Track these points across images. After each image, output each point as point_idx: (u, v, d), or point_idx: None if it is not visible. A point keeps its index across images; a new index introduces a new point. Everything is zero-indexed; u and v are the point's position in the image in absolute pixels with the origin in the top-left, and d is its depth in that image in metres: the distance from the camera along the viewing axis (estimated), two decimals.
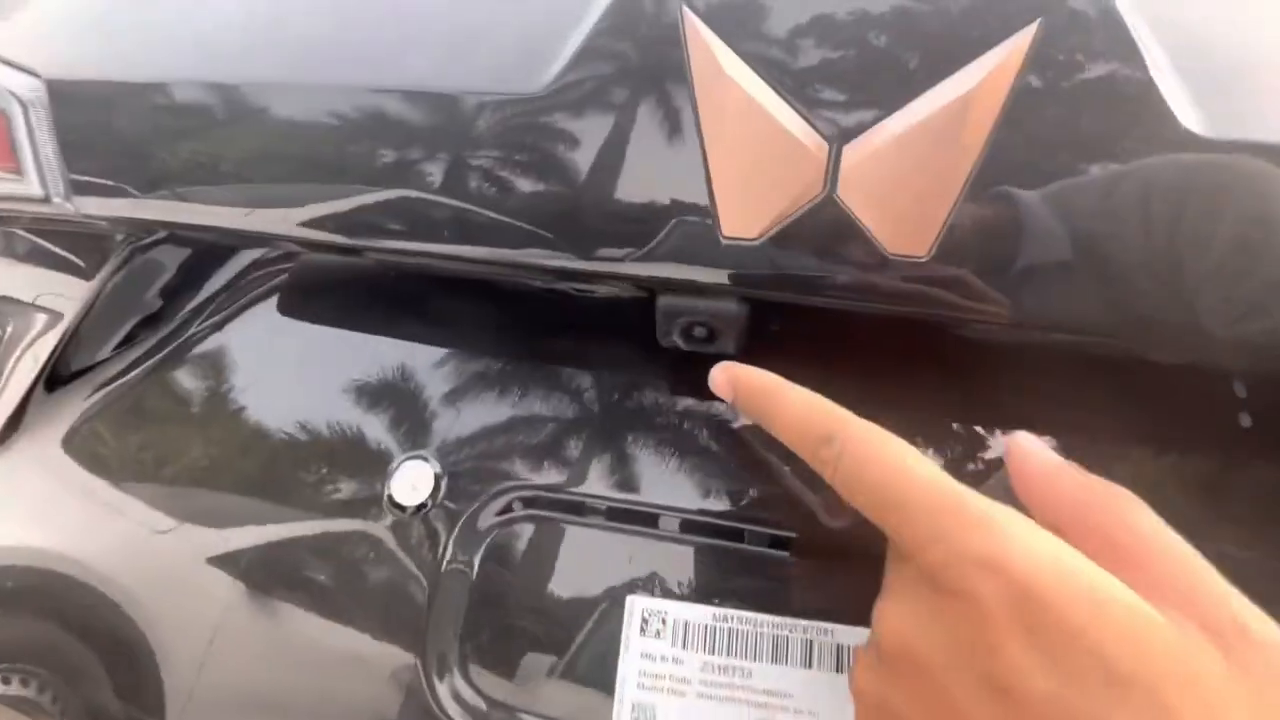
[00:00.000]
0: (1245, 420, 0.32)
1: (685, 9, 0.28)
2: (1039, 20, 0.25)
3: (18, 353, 0.43)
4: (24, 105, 0.38)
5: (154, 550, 0.37)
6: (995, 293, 0.27)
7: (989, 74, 0.26)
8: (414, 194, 0.31)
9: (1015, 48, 0.26)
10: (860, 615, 0.30)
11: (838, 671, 0.30)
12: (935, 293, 0.27)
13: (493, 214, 0.30)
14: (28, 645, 0.40)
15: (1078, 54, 0.26)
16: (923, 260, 0.26)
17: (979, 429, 0.33)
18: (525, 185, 0.30)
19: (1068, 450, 0.26)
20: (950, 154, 0.26)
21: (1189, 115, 0.25)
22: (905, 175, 0.26)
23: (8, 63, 0.40)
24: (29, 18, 0.42)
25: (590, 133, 0.29)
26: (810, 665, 0.30)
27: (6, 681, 0.41)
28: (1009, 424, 0.32)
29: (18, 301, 0.43)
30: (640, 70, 0.28)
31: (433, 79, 0.31)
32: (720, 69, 0.27)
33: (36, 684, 0.40)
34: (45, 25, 0.40)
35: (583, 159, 0.29)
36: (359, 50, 0.32)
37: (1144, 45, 0.25)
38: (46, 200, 0.38)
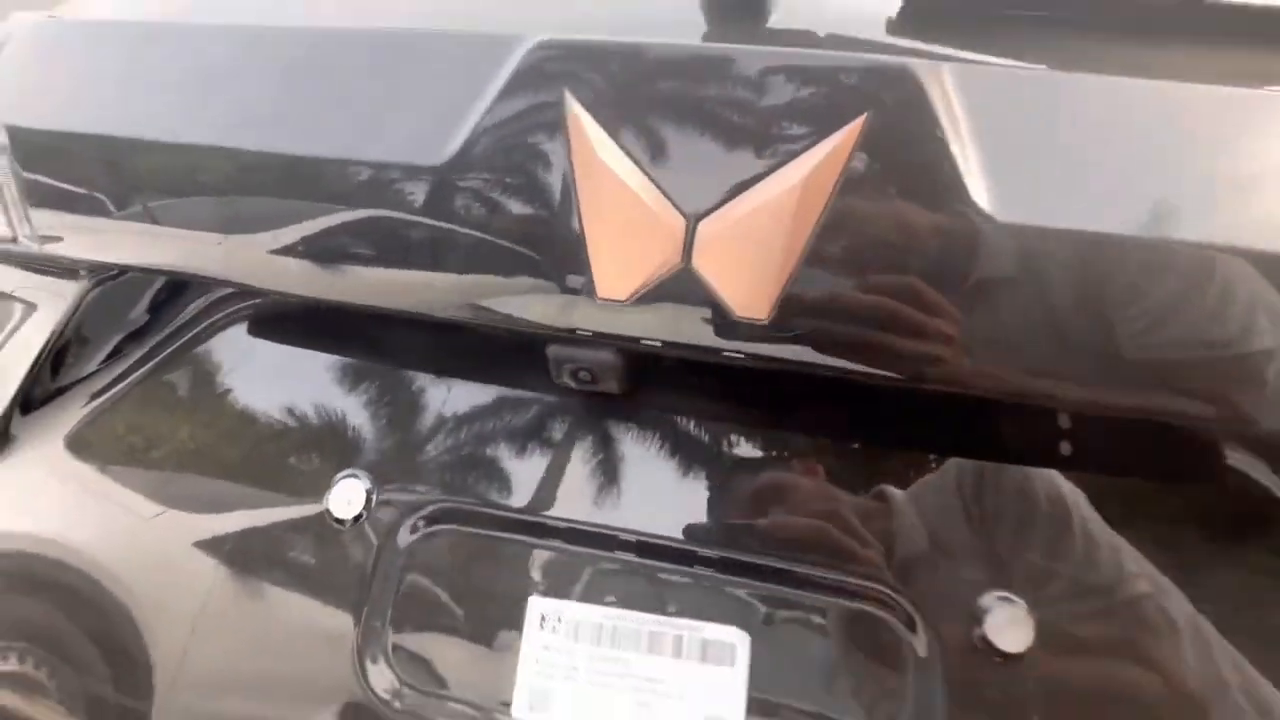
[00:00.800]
0: (1065, 448, 0.37)
1: (569, 95, 0.32)
2: (865, 114, 0.29)
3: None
4: None
5: (138, 539, 0.42)
6: (830, 351, 0.31)
7: (820, 161, 0.30)
8: (335, 247, 0.35)
9: (843, 139, 0.29)
10: (727, 616, 0.35)
11: (702, 662, 0.35)
12: (778, 350, 0.31)
13: (399, 270, 0.34)
14: (26, 625, 0.46)
15: (897, 145, 0.30)
16: (763, 322, 0.31)
17: (843, 452, 0.38)
18: (426, 245, 0.34)
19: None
20: (787, 231, 0.30)
21: (987, 201, 0.29)
22: (750, 249, 0.30)
23: None
24: None
25: (487, 202, 0.33)
26: (680, 656, 0.35)
27: (4, 659, 0.46)
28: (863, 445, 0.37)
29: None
30: (530, 149, 0.32)
31: (354, 149, 0.35)
32: (594, 152, 0.31)
33: (33, 661, 0.46)
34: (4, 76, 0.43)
35: (479, 225, 0.33)
36: (290, 120, 0.36)
37: (953, 139, 0.29)
38: (14, 240, 0.42)
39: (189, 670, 0.40)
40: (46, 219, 0.41)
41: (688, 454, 0.38)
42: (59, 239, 0.41)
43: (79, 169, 0.40)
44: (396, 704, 0.36)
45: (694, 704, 0.34)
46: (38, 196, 0.41)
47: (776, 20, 0.36)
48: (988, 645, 0.33)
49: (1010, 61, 0.32)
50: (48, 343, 0.45)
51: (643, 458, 0.38)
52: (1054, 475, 0.35)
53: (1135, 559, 0.34)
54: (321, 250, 0.36)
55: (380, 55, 0.35)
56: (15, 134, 0.42)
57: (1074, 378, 0.30)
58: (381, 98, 0.34)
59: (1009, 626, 0.33)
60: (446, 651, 0.37)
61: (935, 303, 0.30)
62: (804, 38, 0.35)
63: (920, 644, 0.34)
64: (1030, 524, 0.35)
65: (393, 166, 0.34)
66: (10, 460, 0.46)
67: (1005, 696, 0.33)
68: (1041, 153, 0.30)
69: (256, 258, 0.37)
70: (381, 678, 0.37)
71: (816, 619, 0.35)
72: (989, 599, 0.33)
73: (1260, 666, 0.33)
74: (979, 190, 0.29)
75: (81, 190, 0.40)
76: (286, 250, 0.36)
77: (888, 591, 0.34)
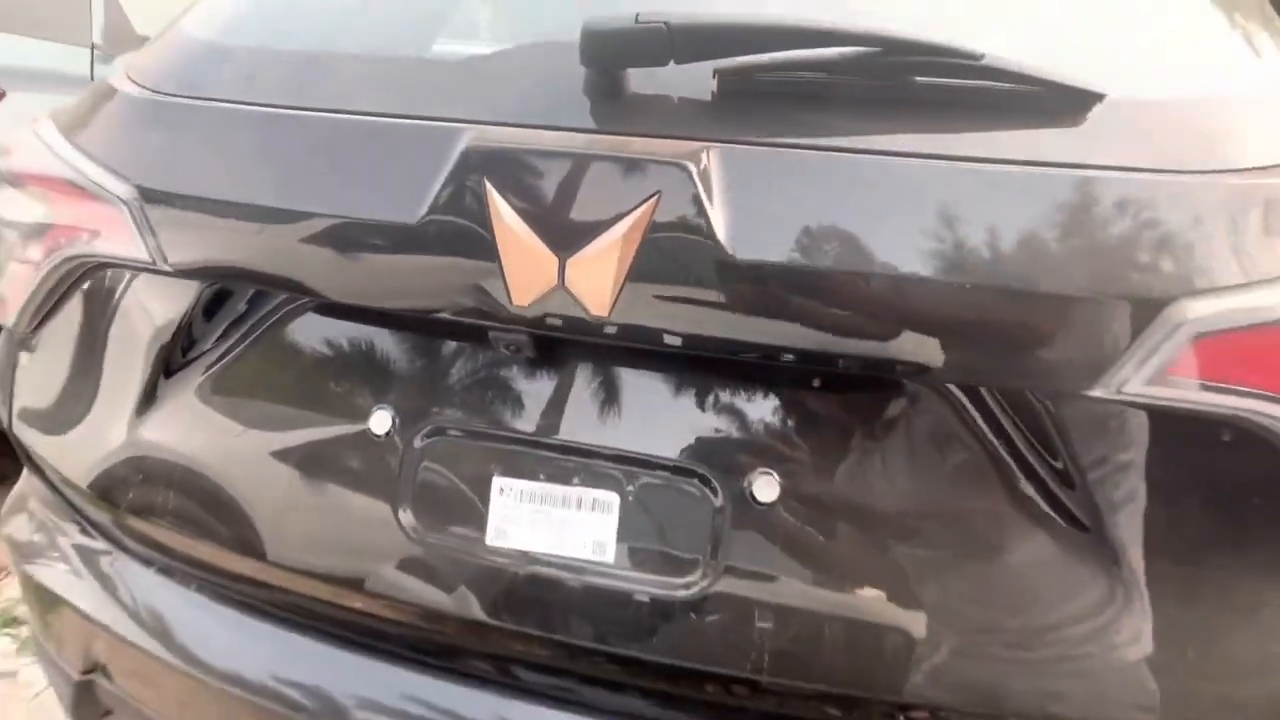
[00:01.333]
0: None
1: (486, 181, 0.52)
2: (657, 194, 0.50)
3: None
4: (127, 203, 0.64)
5: (243, 453, 0.68)
6: (641, 331, 0.53)
7: (632, 223, 0.50)
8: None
9: (645, 209, 0.50)
10: (607, 485, 0.59)
11: (592, 511, 0.60)
12: (613, 329, 0.53)
13: (394, 282, 0.57)
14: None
15: (680, 214, 0.50)
16: (605, 317, 0.52)
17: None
18: (412, 271, 0.56)
19: None
20: (617, 266, 0.51)
21: (730, 244, 0.50)
22: (596, 276, 0.52)
23: (114, 171, 0.65)
24: (123, 136, 0.67)
25: (448, 244, 0.55)
26: (579, 509, 0.60)
27: (159, 526, 0.74)
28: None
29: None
30: (466, 212, 0.54)
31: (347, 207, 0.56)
32: (504, 218, 0.52)
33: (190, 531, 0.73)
34: (136, 143, 0.65)
35: (445, 258, 0.55)
36: (310, 186, 0.58)
37: (709, 204, 0.50)
38: (153, 264, 0.65)
39: (281, 534, 0.67)
40: (176, 247, 0.64)
41: (584, 389, 0.61)
42: (185, 262, 0.64)
43: (195, 213, 0.62)
44: (418, 540, 0.62)
45: (587, 534, 0.59)
46: (168, 232, 0.64)
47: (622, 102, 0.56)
48: (753, 498, 0.57)
49: (752, 138, 0.52)
50: (179, 328, 0.69)
51: (553, 392, 0.61)
52: (807, 396, 0.58)
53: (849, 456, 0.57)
54: (347, 275, 0.58)
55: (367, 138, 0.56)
56: (145, 192, 0.64)
57: (792, 344, 0.52)
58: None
59: (765, 488, 0.57)
60: (445, 508, 0.63)
61: (706, 301, 0.51)
62: (643, 121, 0.55)
63: (716, 499, 0.58)
64: (790, 431, 0.58)
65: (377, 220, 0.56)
66: (158, 409, 0.72)
67: (764, 527, 0.57)
68: (770, 211, 0.50)
69: (306, 271, 0.60)
70: (408, 522, 0.63)
71: (661, 485, 0.59)
72: (756, 473, 0.57)
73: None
74: (725, 237, 0.50)
75: (200, 228, 0.63)
76: (324, 270, 0.59)
77: (701, 466, 0.58)
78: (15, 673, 1.58)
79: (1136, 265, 0.50)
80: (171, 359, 0.70)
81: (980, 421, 0.55)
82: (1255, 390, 0.49)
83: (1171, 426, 0.52)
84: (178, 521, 0.73)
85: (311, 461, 0.66)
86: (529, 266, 0.53)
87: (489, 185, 0.52)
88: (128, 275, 0.70)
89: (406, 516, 0.63)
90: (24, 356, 0.82)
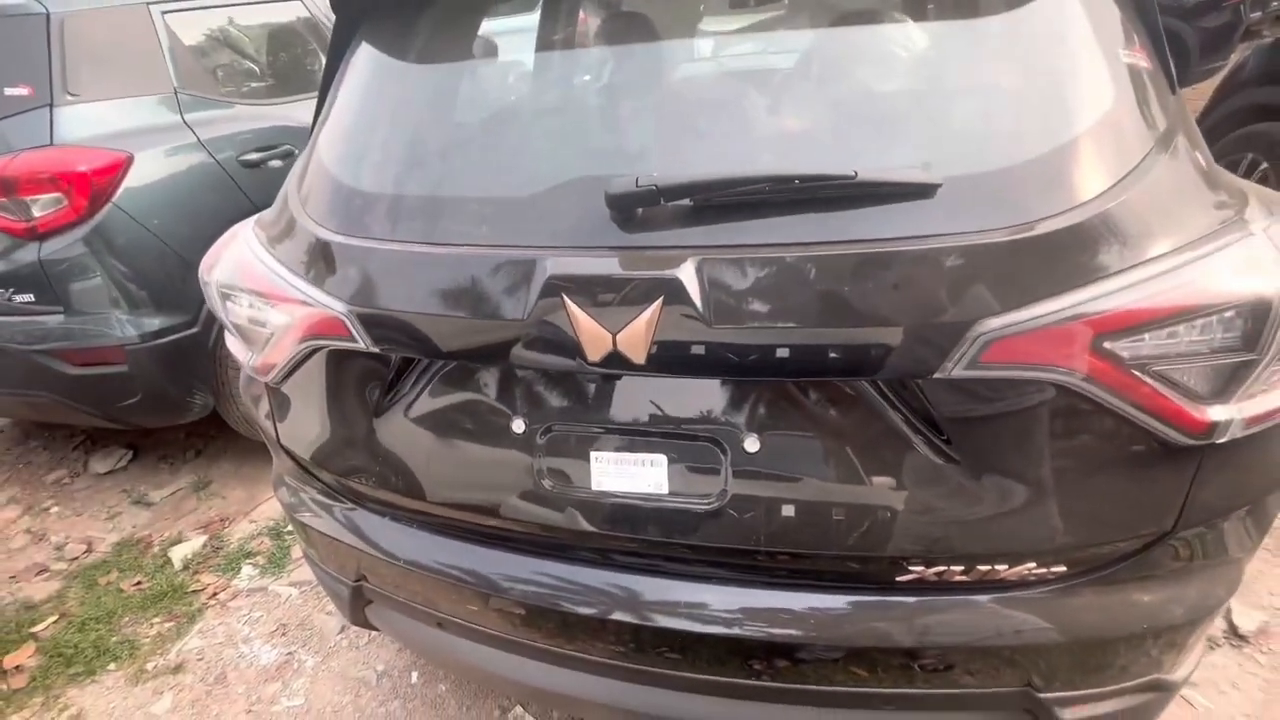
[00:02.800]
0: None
1: (563, 294, 0.89)
2: (661, 298, 0.85)
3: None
4: (344, 315, 1.04)
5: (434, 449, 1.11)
6: (665, 367, 0.90)
7: (650, 313, 0.86)
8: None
9: (656, 306, 0.86)
10: (658, 450, 1.01)
11: (652, 467, 1.00)
12: (647, 368, 0.90)
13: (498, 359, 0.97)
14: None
15: (679, 302, 0.85)
16: (642, 363, 0.90)
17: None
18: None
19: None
20: (645, 337, 0.88)
21: (713, 323, 0.85)
22: (635, 341, 0.88)
23: (333, 294, 1.05)
24: (329, 268, 1.06)
25: (542, 329, 0.93)
26: (643, 466, 1.01)
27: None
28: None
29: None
30: (555, 309, 0.91)
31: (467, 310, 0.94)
32: (574, 312, 0.89)
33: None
34: (342, 273, 1.05)
35: (541, 336, 0.93)
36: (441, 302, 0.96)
37: (696, 298, 0.85)
38: (368, 349, 1.06)
39: (455, 489, 1.11)
40: (377, 338, 1.04)
41: (638, 398, 0.99)
42: (384, 345, 1.05)
43: (387, 317, 1.02)
44: (549, 489, 1.05)
45: (649, 479, 1.00)
46: (371, 329, 1.04)
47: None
48: (746, 450, 0.95)
49: (719, 243, 0.86)
50: (385, 380, 1.11)
51: (619, 401, 1.00)
52: (774, 392, 0.94)
53: (803, 421, 0.94)
54: (485, 349, 0.98)
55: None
56: (355, 307, 1.04)
57: (755, 367, 0.88)
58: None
59: (750, 443, 0.95)
60: (564, 471, 1.05)
61: (699, 348, 0.88)
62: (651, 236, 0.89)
63: (725, 457, 0.97)
64: (763, 410, 0.95)
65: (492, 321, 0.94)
66: (378, 428, 1.15)
67: (751, 470, 0.96)
68: (731, 291, 0.85)
69: (460, 348, 0.99)
70: (542, 479, 1.05)
71: (690, 447, 0.98)
72: (745, 436, 0.95)
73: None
74: (703, 311, 0.85)
75: (391, 326, 1.03)
76: (471, 345, 0.99)
77: (712, 434, 0.97)
78: (265, 588, 2.25)
79: (955, 299, 0.82)
80: (381, 397, 1.14)
81: (881, 398, 0.90)
82: (1033, 364, 0.82)
83: (993, 394, 0.86)
84: (396, 487, 1.19)
85: (476, 449, 1.09)
86: (593, 340, 0.90)
87: (564, 296, 0.89)
88: (345, 352, 1.11)
89: (540, 476, 1.06)
90: (277, 400, 1.28)
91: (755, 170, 0.84)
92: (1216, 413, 0.83)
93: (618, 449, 1.01)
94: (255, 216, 1.31)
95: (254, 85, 2.94)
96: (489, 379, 1.06)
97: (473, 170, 1.08)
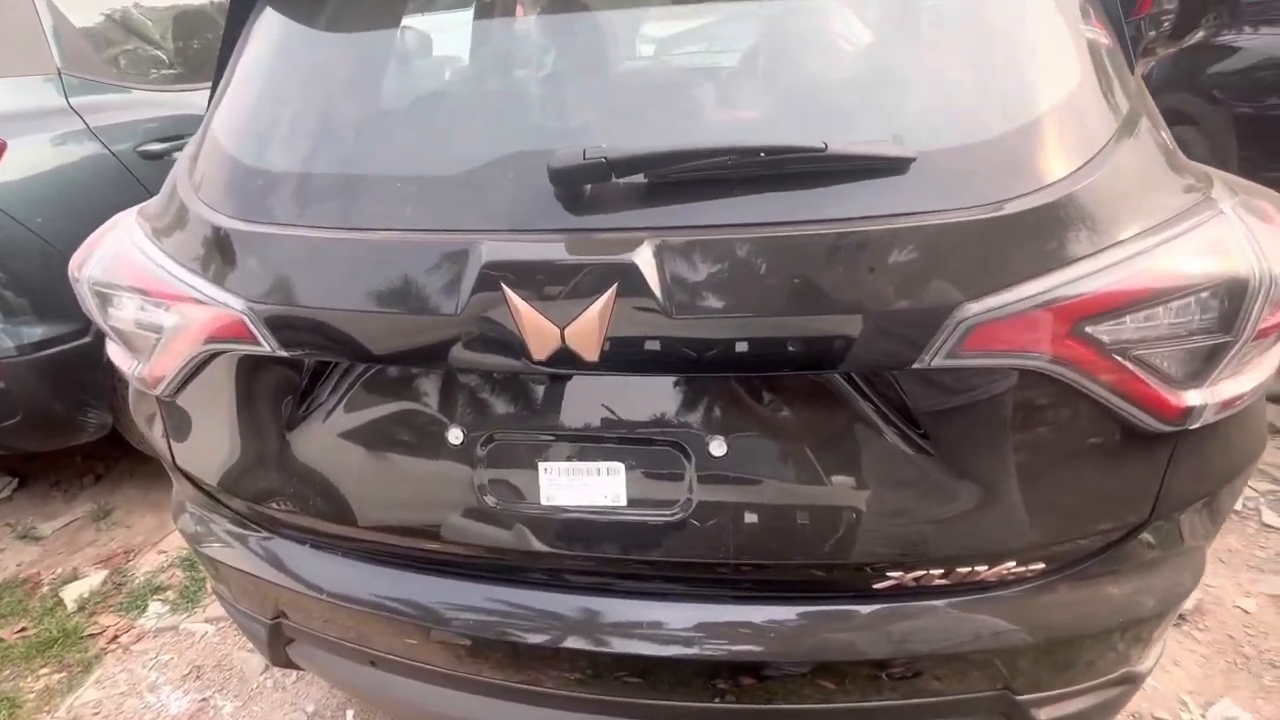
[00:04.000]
0: None
1: (502, 283, 0.78)
2: (615, 286, 0.76)
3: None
4: (244, 312, 0.90)
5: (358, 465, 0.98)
6: (617, 365, 0.80)
7: (603, 303, 0.77)
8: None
9: (609, 295, 0.76)
10: (616, 458, 0.90)
11: (609, 475, 0.90)
12: (598, 368, 0.81)
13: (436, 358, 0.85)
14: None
15: (634, 289, 0.76)
16: (595, 360, 0.80)
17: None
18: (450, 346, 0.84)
19: None
20: (597, 331, 0.78)
21: (662, 304, 0.76)
22: (586, 337, 0.79)
23: (230, 290, 0.91)
24: (223, 260, 0.92)
25: (479, 324, 0.81)
26: (599, 475, 0.91)
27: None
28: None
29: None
30: (494, 302, 0.79)
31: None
32: (516, 304, 0.78)
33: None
34: (239, 266, 0.90)
35: (478, 332, 0.82)
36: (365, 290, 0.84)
37: (651, 282, 0.75)
38: (275, 354, 0.92)
39: (386, 510, 0.98)
40: (286, 341, 0.91)
41: (590, 399, 0.89)
42: (294, 349, 0.91)
43: (297, 316, 0.89)
44: (492, 506, 0.94)
45: (606, 490, 0.90)
46: (279, 331, 0.90)
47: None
48: (711, 454, 0.87)
49: (674, 223, 0.77)
50: (299, 389, 0.97)
51: (568, 403, 0.90)
52: (740, 386, 0.86)
53: (772, 419, 0.86)
54: (415, 350, 0.85)
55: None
56: (256, 304, 0.89)
57: (716, 360, 0.80)
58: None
59: (716, 446, 0.86)
60: (509, 485, 0.93)
61: (657, 341, 0.79)
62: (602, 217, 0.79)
63: (689, 462, 0.88)
64: (729, 409, 0.87)
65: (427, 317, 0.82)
66: (292, 442, 1.01)
67: (718, 475, 0.88)
68: (690, 275, 0.76)
69: (386, 349, 0.87)
70: (483, 496, 0.94)
71: (649, 451, 0.89)
72: (710, 439, 0.87)
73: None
74: (662, 299, 0.76)
75: (302, 327, 0.89)
76: (398, 347, 0.86)
77: (674, 438, 0.88)
78: (176, 626, 2.02)
79: (933, 283, 0.76)
80: (294, 408, 0.99)
81: (855, 391, 0.84)
82: (1015, 352, 0.77)
83: (971, 384, 0.80)
84: (317, 511, 1.04)
85: (409, 464, 0.96)
86: (539, 336, 0.80)
87: (504, 286, 0.78)
88: (248, 357, 0.97)
89: (482, 492, 0.94)
90: (171, 415, 1.11)
91: (716, 142, 0.75)
92: (1192, 398, 0.80)
93: (569, 458, 0.91)
94: (138, 206, 1.13)
95: (160, 72, 2.68)
96: (420, 383, 0.94)
97: (395, 144, 0.95)
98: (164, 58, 2.72)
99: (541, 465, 0.91)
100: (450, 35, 1.17)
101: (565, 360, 0.81)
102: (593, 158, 0.75)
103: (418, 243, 0.84)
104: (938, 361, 0.77)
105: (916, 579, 0.90)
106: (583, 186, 0.78)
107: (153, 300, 0.97)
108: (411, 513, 1.00)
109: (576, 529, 0.92)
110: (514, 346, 0.81)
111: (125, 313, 1.01)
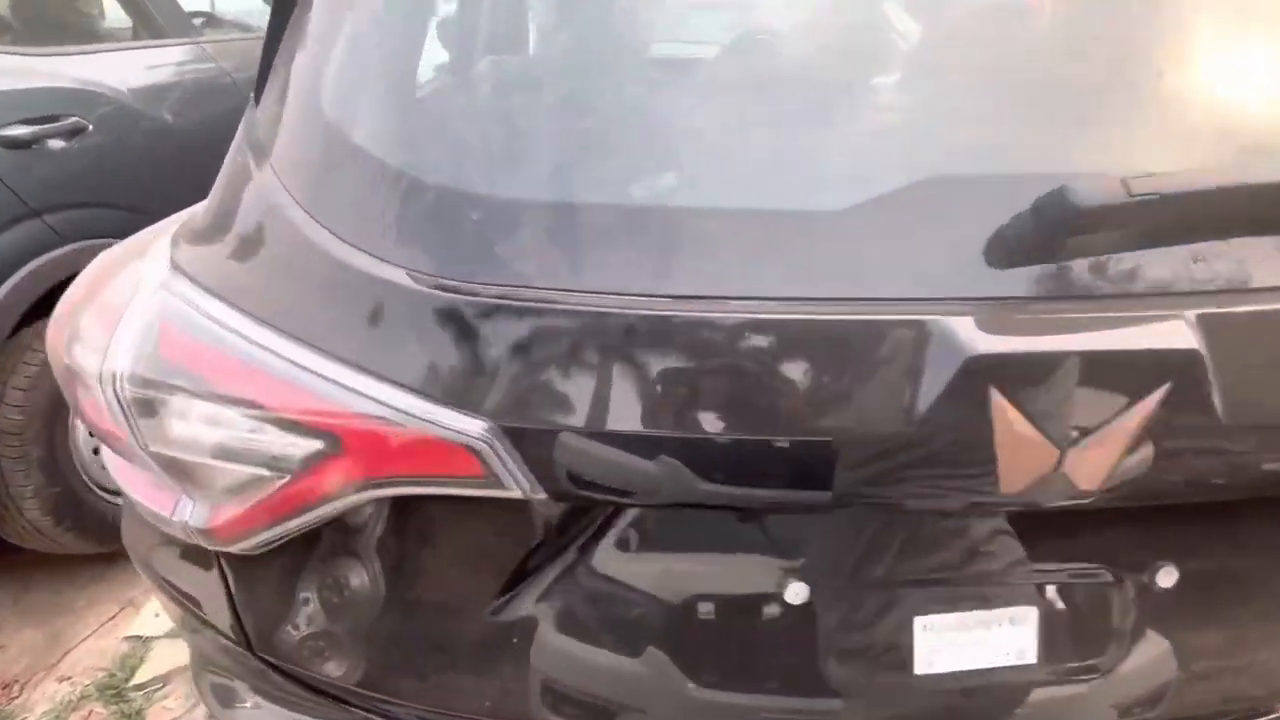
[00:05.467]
0: None
1: (993, 389, 0.49)
2: (1168, 384, 0.50)
3: None
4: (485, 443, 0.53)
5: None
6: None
7: (1143, 413, 0.50)
8: None
9: (1158, 396, 0.50)
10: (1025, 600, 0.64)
11: (1015, 625, 0.65)
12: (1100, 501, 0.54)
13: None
14: None
15: (1188, 394, 0.50)
16: (1095, 490, 0.54)
17: None
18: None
19: None
20: (1119, 450, 0.51)
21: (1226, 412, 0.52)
22: (1097, 460, 0.52)
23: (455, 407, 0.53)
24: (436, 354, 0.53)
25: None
26: (1001, 626, 0.64)
27: None
28: None
29: None
30: (960, 413, 0.50)
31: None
32: (1010, 420, 0.50)
33: None
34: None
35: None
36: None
37: (1211, 388, 0.50)
38: (523, 495, 0.55)
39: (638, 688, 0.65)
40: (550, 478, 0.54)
41: (1005, 530, 0.62)
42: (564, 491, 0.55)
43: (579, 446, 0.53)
44: (847, 685, 0.64)
45: (1006, 648, 0.64)
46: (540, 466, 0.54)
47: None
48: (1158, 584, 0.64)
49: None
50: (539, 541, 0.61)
51: (973, 538, 0.62)
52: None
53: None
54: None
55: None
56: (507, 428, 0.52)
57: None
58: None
59: (1165, 577, 0.64)
60: (870, 653, 0.65)
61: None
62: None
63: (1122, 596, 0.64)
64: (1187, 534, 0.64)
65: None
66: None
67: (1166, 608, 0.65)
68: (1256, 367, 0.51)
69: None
70: (833, 672, 0.64)
71: (1069, 586, 0.64)
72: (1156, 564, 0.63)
73: None
74: (1221, 405, 0.51)
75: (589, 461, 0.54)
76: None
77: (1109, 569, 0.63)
78: None
79: None
80: (521, 569, 0.62)
81: None
82: None
83: None
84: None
85: (723, 634, 0.64)
86: (1023, 459, 0.52)
87: (994, 390, 0.49)
88: (449, 500, 0.58)
89: (831, 668, 0.64)
90: (246, 576, 0.69)
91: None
92: None
93: (962, 607, 0.64)
94: (163, 240, 0.68)
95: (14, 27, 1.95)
96: (749, 522, 0.62)
97: (728, 158, 0.59)
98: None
99: (919, 622, 0.63)
100: None
101: (1047, 492, 0.53)
102: (1142, 193, 0.47)
103: (810, 321, 0.51)
104: None
105: None
106: (1109, 232, 0.50)
107: (275, 416, 0.55)
108: (698, 701, 0.67)
109: (962, 701, 0.66)
110: (974, 475, 0.52)
111: (200, 432, 0.58)
